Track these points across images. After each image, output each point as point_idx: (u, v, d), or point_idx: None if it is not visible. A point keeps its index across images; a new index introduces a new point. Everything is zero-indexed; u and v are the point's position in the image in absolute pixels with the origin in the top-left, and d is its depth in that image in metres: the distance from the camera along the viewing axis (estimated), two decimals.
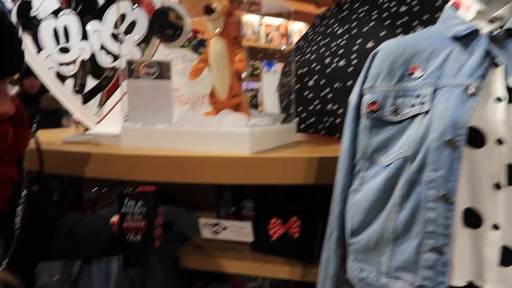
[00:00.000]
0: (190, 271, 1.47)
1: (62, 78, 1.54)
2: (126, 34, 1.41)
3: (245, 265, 1.22)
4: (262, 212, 1.31)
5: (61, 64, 1.53)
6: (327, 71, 1.26)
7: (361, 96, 0.79)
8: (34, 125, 0.82)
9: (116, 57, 1.52)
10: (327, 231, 0.93)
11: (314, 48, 1.34)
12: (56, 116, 3.04)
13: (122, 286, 1.18)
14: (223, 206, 1.49)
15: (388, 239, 0.75)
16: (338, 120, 1.26)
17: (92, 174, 1.19)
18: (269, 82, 1.79)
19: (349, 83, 1.20)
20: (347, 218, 0.84)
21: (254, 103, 1.79)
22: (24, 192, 0.75)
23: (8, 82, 0.70)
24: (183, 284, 1.45)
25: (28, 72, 2.99)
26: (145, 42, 1.44)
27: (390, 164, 0.74)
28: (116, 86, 1.55)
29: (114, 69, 1.53)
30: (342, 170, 0.83)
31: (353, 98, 0.80)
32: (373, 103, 0.75)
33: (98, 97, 1.57)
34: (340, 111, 1.25)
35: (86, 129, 1.61)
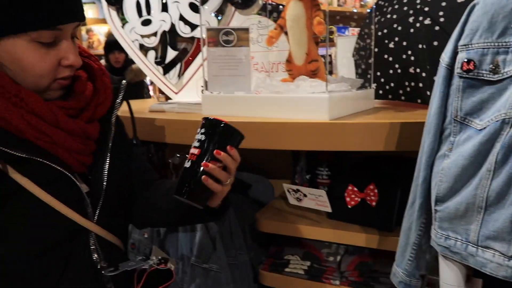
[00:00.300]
0: (266, 235, 1.53)
1: (145, 50, 1.62)
2: (203, 3, 1.44)
3: (321, 231, 1.24)
4: (337, 180, 1.30)
5: (144, 36, 1.61)
6: (410, 31, 1.18)
7: (455, 54, 0.73)
8: (122, 92, 0.85)
9: (193, 27, 1.56)
10: (409, 198, 0.91)
11: (396, 6, 1.26)
12: (138, 88, 3.24)
13: (204, 245, 1.25)
14: (298, 174, 1.51)
15: (478, 207, 0.71)
16: (420, 84, 1.20)
17: (176, 140, 1.26)
18: (344, 47, 1.73)
19: (435, 43, 1.11)
20: (433, 185, 0.80)
21: (329, 69, 1.75)
22: (109, 150, 0.79)
23: (70, 33, 0.70)
24: (259, 246, 1.51)
25: (112, 47, 3.22)
26: (221, 10, 1.46)
27: (485, 127, 0.69)
28: (194, 56, 1.61)
29: (192, 39, 1.58)
30: (429, 134, 0.79)
31: (445, 56, 0.75)
32: (469, 61, 0.69)
33: (177, 68, 1.64)
34: (424, 74, 1.18)
35: (168, 99, 1.70)
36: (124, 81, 0.87)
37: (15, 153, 0.65)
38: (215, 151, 0.73)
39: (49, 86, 0.70)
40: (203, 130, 0.75)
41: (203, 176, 0.72)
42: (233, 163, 0.75)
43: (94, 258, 0.76)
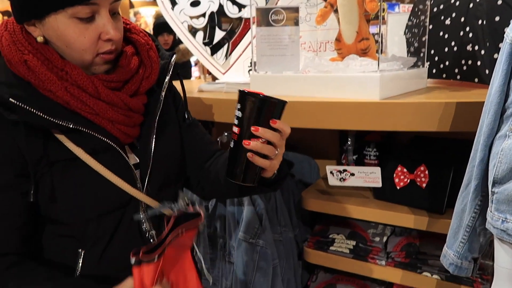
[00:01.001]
0: (311, 214, 1.55)
1: (193, 31, 1.65)
2: None
3: (368, 211, 1.24)
4: (386, 161, 1.28)
5: (193, 18, 1.64)
6: (470, 6, 1.13)
7: None
8: (172, 67, 0.85)
9: (241, 8, 1.57)
10: (463, 179, 0.88)
11: None
12: (185, 68, 3.31)
13: (251, 221, 1.29)
14: (346, 154, 1.50)
15: None
16: (478, 63, 1.14)
17: (223, 119, 1.29)
18: (395, 25, 1.67)
19: (497, 18, 1.06)
20: (491, 166, 0.78)
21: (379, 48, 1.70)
22: (155, 123, 0.81)
23: (109, 8, 0.70)
24: (304, 224, 1.53)
25: (161, 29, 3.29)
26: None
27: None
28: (241, 37, 1.62)
29: (240, 20, 1.59)
30: (490, 113, 0.76)
31: (510, 32, 0.72)
32: None
33: (224, 48, 1.66)
34: (482, 52, 1.12)
35: (214, 79, 1.73)
36: (174, 56, 0.88)
37: (64, 123, 0.69)
38: (252, 128, 0.69)
39: (93, 60, 0.73)
40: (238, 106, 0.70)
41: (248, 154, 0.69)
42: (275, 136, 0.70)
43: (143, 228, 0.80)
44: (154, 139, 0.81)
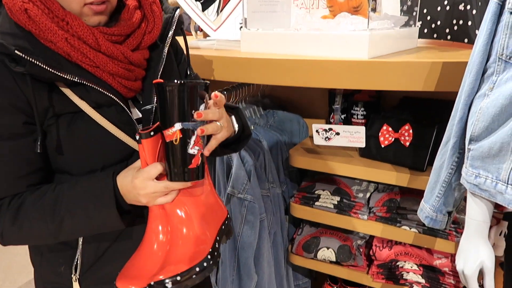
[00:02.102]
0: (299, 171, 1.59)
1: None
2: None
3: (353, 168, 1.28)
4: (373, 120, 1.31)
5: None
6: None
7: None
8: (175, 21, 0.85)
9: None
10: (444, 137, 0.92)
11: None
12: None
13: (240, 177, 1.33)
14: (334, 113, 1.53)
15: None
16: (469, 23, 1.15)
17: (214, 77, 1.30)
18: None
19: None
20: (469, 124, 0.81)
21: (372, 6, 1.68)
22: (158, 77, 0.81)
23: None
24: (292, 181, 1.58)
25: None
26: None
27: None
28: None
29: None
30: (471, 73, 0.78)
31: None
32: None
33: (216, 4, 1.63)
34: (474, 12, 1.12)
35: (206, 36, 1.71)
36: (178, 10, 0.87)
37: (69, 77, 0.70)
38: (195, 115, 0.66)
39: (81, 11, 0.72)
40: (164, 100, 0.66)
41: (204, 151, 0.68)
42: (215, 113, 0.69)
43: None
44: (155, 92, 0.82)
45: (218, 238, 0.79)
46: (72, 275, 0.82)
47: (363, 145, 1.22)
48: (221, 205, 0.84)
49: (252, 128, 1.53)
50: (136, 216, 0.78)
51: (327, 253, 1.39)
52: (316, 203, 1.39)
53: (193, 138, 0.67)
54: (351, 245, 1.39)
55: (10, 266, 2.27)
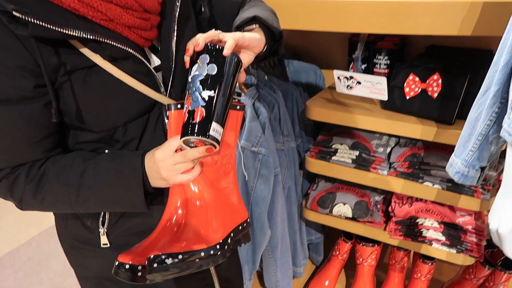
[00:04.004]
0: (315, 124, 1.52)
1: None
2: None
3: (374, 121, 1.20)
4: (398, 69, 1.22)
5: None
6: None
7: None
8: None
9: None
10: (482, 86, 0.83)
11: None
12: None
13: (253, 130, 1.26)
14: (354, 63, 1.42)
15: None
16: None
17: None
18: None
19: None
20: None
21: None
22: (175, 22, 0.75)
23: None
24: (307, 135, 1.51)
25: None
26: None
27: None
28: None
29: None
30: None
31: None
32: None
33: None
34: None
35: None
36: None
37: (80, 34, 0.62)
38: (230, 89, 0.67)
39: None
40: (211, 65, 0.66)
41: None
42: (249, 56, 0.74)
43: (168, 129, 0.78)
44: (175, 39, 0.75)
45: (232, 234, 0.76)
46: (100, 229, 0.81)
47: (385, 97, 1.14)
48: (243, 208, 0.82)
49: (266, 78, 1.44)
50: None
51: (343, 209, 1.35)
52: (333, 158, 1.32)
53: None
54: (368, 201, 1.34)
55: (22, 217, 2.29)
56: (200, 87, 0.65)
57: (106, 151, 0.75)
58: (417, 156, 1.23)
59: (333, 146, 1.35)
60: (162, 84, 0.76)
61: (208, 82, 0.65)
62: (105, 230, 0.81)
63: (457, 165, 0.89)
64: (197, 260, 0.66)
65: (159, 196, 0.79)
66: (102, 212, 0.80)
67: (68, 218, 0.84)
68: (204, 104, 0.64)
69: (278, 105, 1.37)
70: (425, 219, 1.26)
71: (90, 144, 0.74)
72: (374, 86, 1.14)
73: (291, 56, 1.60)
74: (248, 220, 0.83)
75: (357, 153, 1.30)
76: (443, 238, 1.22)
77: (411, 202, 1.28)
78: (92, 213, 0.80)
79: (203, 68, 0.65)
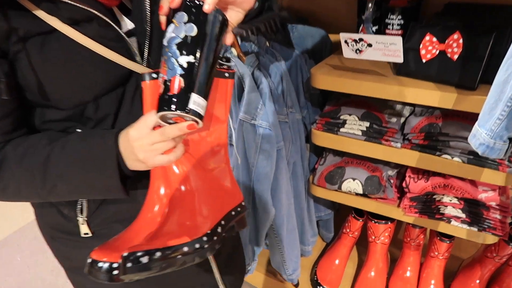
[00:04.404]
0: (322, 93, 1.40)
1: None
2: None
3: (386, 89, 1.07)
4: (412, 29, 1.08)
5: None
6: None
7: None
8: None
9: None
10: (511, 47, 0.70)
11: None
12: None
13: (253, 101, 1.16)
14: (364, 25, 1.28)
15: None
16: None
17: None
18: None
19: None
20: None
21: None
22: None
23: None
24: (313, 105, 1.40)
25: None
26: None
27: None
28: None
29: None
30: None
31: None
32: None
33: None
34: None
35: None
36: None
37: None
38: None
39: None
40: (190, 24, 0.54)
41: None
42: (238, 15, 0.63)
43: None
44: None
45: (223, 222, 0.66)
46: (79, 218, 0.73)
47: (400, 59, 1.01)
48: (236, 190, 0.72)
49: (268, 45, 1.32)
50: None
51: (352, 184, 1.25)
52: (342, 130, 1.21)
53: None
54: (380, 176, 1.24)
55: (10, 206, 2.24)
56: (177, 51, 0.54)
57: (78, 130, 0.66)
58: (435, 126, 1.11)
59: (341, 117, 1.23)
60: (137, 51, 0.66)
61: (186, 46, 0.54)
62: (85, 218, 0.73)
63: (481, 136, 0.77)
64: (179, 256, 0.57)
65: (143, 179, 0.70)
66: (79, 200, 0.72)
67: (44, 206, 0.76)
68: (182, 72, 0.54)
69: (281, 73, 1.26)
70: (443, 195, 1.15)
71: (59, 123, 0.65)
72: (388, 48, 1.01)
73: (296, 21, 1.47)
74: (244, 203, 0.74)
75: (367, 124, 1.19)
76: (463, 216, 1.12)
77: (428, 177, 1.17)
78: (68, 200, 0.73)
79: (180, 29, 0.55)
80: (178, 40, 0.54)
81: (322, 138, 1.26)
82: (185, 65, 0.54)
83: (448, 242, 1.29)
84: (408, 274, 1.40)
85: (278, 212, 1.30)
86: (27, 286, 1.83)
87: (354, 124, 1.21)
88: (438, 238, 1.30)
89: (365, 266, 1.45)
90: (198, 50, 0.54)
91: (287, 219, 1.33)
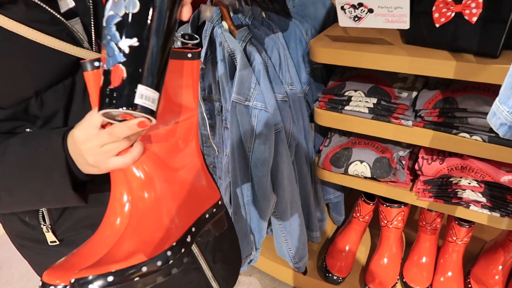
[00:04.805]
0: (324, 67, 1.28)
1: None
2: None
3: (395, 60, 0.95)
4: None
5: None
6: None
7: None
8: None
9: None
10: None
11: None
12: None
13: (245, 80, 1.05)
14: None
15: None
16: None
17: None
18: None
19: None
20: None
21: None
22: None
23: None
24: (317, 81, 1.28)
25: None
26: None
27: None
28: None
29: None
30: None
31: None
32: None
33: None
34: None
35: None
36: None
37: None
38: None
39: None
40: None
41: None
42: None
43: None
44: None
45: (194, 229, 0.57)
46: (42, 226, 0.66)
47: (406, 25, 0.87)
48: (211, 187, 0.63)
49: (264, 15, 1.20)
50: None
51: (360, 167, 1.14)
52: (346, 108, 1.10)
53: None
54: (390, 158, 1.12)
55: None
56: (116, 33, 0.44)
57: (28, 130, 0.57)
58: (451, 101, 0.97)
59: (346, 94, 1.11)
60: (84, 34, 0.57)
61: (127, 26, 0.44)
62: (48, 226, 0.66)
63: (502, 114, 0.65)
64: (136, 279, 0.48)
65: (109, 181, 0.62)
66: None
67: (5, 213, 0.69)
68: (124, 59, 0.44)
69: (278, 47, 1.14)
70: (461, 178, 1.03)
71: (4, 123, 0.56)
72: (392, 13, 0.88)
73: None
74: (220, 202, 0.64)
75: (374, 100, 1.06)
76: (483, 200, 1.00)
77: (443, 158, 1.04)
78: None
79: (119, 4, 0.44)
80: (117, 19, 0.44)
81: (326, 118, 1.15)
82: (126, 50, 0.44)
83: (467, 226, 1.18)
84: (424, 260, 1.30)
85: (280, 198, 1.20)
86: None
87: (360, 101, 1.09)
88: (457, 222, 1.18)
89: (377, 252, 1.36)
90: (142, 30, 0.44)
91: (290, 206, 1.24)
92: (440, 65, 0.89)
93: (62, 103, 0.57)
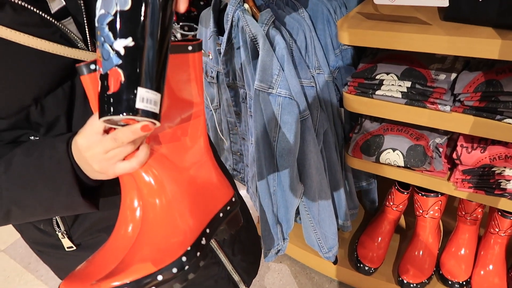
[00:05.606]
0: (355, 49, 1.20)
1: None
2: None
3: (432, 39, 0.86)
4: None
5: None
6: None
7: None
8: None
9: None
10: None
11: None
12: None
13: (267, 66, 1.00)
14: None
15: None
16: None
17: None
18: None
19: None
20: None
21: None
22: None
23: None
24: (345, 63, 1.20)
25: None
26: None
27: None
28: None
29: None
30: None
31: None
32: None
33: None
34: None
35: None
36: None
37: None
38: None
39: None
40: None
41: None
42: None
43: None
44: None
45: (208, 230, 0.54)
46: (57, 232, 0.66)
47: (446, 2, 0.79)
48: (224, 184, 0.60)
49: None
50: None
51: (392, 156, 1.07)
52: (378, 92, 1.02)
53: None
54: (426, 146, 1.04)
55: None
56: (110, 34, 0.40)
57: (32, 137, 0.56)
58: (494, 84, 0.88)
59: (377, 77, 1.03)
60: (78, 34, 0.54)
61: (120, 25, 0.40)
62: (64, 232, 0.65)
63: None
64: None
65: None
66: None
67: (21, 223, 0.69)
68: (120, 62, 0.40)
69: (304, 29, 1.07)
70: (505, 167, 0.94)
71: (6, 133, 0.55)
72: None
73: None
74: (234, 198, 0.61)
75: (408, 84, 0.98)
76: None
77: (485, 146, 0.95)
78: None
79: (110, 2, 0.41)
80: (109, 18, 0.40)
81: (355, 103, 1.08)
82: (122, 52, 0.40)
83: (511, 218, 1.09)
84: (462, 251, 1.22)
85: (308, 188, 1.16)
86: None
87: (392, 84, 1.01)
88: (499, 213, 1.10)
89: (412, 242, 1.29)
90: (136, 28, 0.40)
91: (319, 195, 1.19)
92: (483, 44, 0.80)
93: (63, 108, 0.55)
